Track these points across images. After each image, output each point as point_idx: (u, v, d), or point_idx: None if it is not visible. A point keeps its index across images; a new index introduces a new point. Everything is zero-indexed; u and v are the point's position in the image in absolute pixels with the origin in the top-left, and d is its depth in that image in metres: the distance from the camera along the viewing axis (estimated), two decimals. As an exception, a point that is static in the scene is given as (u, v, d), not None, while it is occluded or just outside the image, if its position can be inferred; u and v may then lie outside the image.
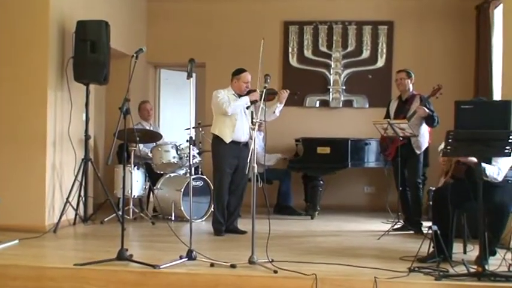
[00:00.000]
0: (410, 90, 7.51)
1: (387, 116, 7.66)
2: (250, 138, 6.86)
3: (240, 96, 6.99)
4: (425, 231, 6.24)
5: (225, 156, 6.94)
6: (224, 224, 7.05)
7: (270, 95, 6.97)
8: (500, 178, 5.35)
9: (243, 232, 6.98)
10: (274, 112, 7.08)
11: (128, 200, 7.88)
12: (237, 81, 7.01)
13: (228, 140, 6.91)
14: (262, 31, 9.99)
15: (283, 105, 7.14)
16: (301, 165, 8.78)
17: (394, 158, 7.44)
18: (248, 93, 6.98)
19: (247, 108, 6.96)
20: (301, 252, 5.92)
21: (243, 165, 6.67)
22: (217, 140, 7.00)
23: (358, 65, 9.96)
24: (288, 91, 7.18)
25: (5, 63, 7.10)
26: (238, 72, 7.05)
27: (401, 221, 7.56)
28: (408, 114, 7.33)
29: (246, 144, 6.97)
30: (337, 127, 9.74)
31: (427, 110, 7.21)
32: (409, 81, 7.49)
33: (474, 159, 5.15)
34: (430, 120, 7.27)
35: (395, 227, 7.41)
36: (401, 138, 7.25)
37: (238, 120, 6.94)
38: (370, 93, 9.88)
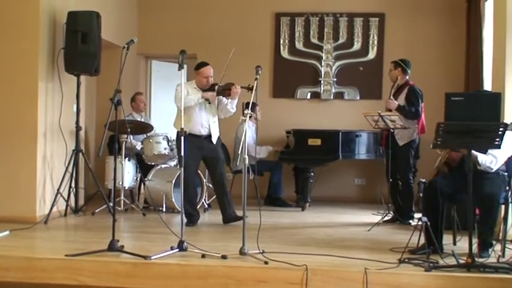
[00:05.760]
0: (399, 80, 7.46)
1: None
2: (213, 132, 6.97)
3: (202, 90, 6.95)
4: (415, 223, 6.27)
5: (184, 148, 6.84)
6: (195, 214, 7.03)
7: (226, 91, 6.91)
8: (494, 167, 5.36)
9: (240, 218, 6.80)
10: (227, 107, 7.02)
11: (119, 192, 7.89)
12: (197, 76, 6.98)
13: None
14: (253, 23, 10.07)
15: (236, 100, 7.03)
16: (292, 156, 8.77)
17: (386, 146, 7.47)
18: (211, 87, 6.94)
19: (209, 103, 6.97)
20: (292, 244, 5.94)
21: (212, 156, 6.94)
22: (177, 134, 6.91)
23: (349, 57, 9.97)
24: (239, 86, 6.84)
25: (-5, 54, 7.09)
26: (199, 66, 7.03)
27: (392, 212, 7.59)
28: None
29: (209, 137, 6.98)
30: (328, 119, 9.75)
31: (396, 102, 7.24)
32: (397, 71, 7.47)
33: None
34: (402, 112, 7.25)
35: (386, 218, 7.45)
36: (392, 130, 7.27)
37: (195, 115, 6.91)
38: (361, 85, 9.91)
